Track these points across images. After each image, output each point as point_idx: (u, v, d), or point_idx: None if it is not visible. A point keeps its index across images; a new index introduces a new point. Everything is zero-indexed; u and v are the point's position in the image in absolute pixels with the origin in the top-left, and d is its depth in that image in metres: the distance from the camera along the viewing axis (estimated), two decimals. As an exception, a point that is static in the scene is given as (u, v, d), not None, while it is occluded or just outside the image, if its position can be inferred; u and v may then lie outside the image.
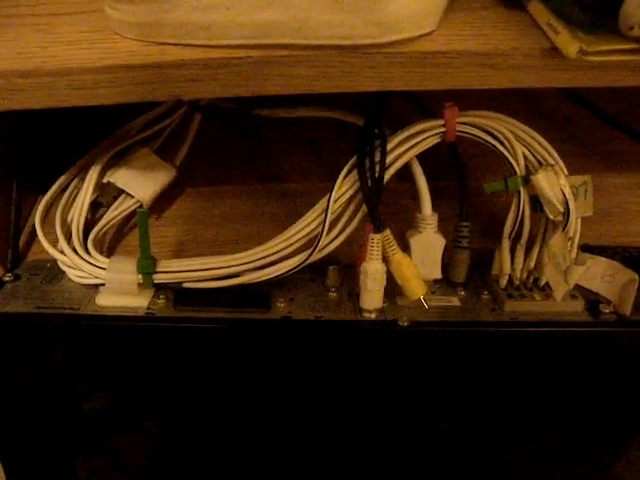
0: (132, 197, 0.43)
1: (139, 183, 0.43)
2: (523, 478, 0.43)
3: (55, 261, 0.41)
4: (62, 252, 0.40)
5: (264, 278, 0.38)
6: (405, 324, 0.36)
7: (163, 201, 0.46)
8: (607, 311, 0.38)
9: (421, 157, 0.38)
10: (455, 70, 0.31)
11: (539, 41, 0.31)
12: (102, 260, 0.39)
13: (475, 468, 0.42)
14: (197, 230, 0.44)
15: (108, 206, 0.44)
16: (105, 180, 0.43)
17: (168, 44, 0.31)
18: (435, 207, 0.38)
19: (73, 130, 0.45)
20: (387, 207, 0.37)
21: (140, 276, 0.38)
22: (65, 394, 0.39)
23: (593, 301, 0.38)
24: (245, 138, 0.49)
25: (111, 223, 0.43)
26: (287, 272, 0.38)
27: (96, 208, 0.44)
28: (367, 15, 0.29)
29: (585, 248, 0.39)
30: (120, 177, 0.43)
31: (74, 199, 0.43)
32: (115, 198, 0.44)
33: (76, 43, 0.32)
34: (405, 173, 0.38)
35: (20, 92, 0.31)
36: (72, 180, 0.44)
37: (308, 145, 0.49)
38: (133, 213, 0.44)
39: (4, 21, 0.35)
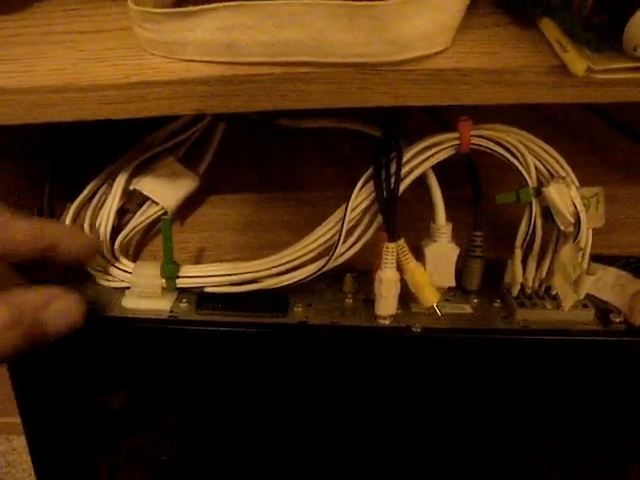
0: (157, 204, 0.45)
1: (164, 191, 0.45)
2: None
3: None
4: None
5: (283, 284, 0.39)
6: (418, 330, 0.37)
7: (186, 208, 0.47)
8: (617, 320, 0.38)
9: (436, 168, 0.38)
10: (467, 87, 0.32)
11: (549, 59, 0.32)
12: (128, 264, 0.41)
13: (484, 473, 0.43)
14: (218, 237, 0.46)
15: (134, 213, 0.46)
16: (131, 187, 0.44)
17: (192, 61, 0.33)
18: (449, 217, 0.39)
19: (102, 139, 0.46)
20: (403, 216, 0.38)
21: (164, 280, 0.40)
22: (90, 392, 0.41)
23: (604, 310, 0.39)
24: (266, 147, 0.50)
25: (137, 229, 0.45)
26: (305, 278, 0.39)
27: (122, 214, 0.46)
28: (381, 34, 0.30)
29: (597, 258, 0.39)
30: (146, 185, 0.44)
31: (102, 206, 0.45)
32: (140, 205, 0.45)
33: (105, 60, 0.34)
34: (421, 183, 0.39)
35: (53, 106, 0.33)
36: (100, 187, 0.46)
37: (328, 155, 0.50)
38: (158, 219, 0.45)
39: (38, 39, 0.36)
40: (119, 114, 0.34)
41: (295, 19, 0.30)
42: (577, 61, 0.30)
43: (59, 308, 0.34)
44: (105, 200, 0.45)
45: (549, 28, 0.33)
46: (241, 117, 0.48)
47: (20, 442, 0.67)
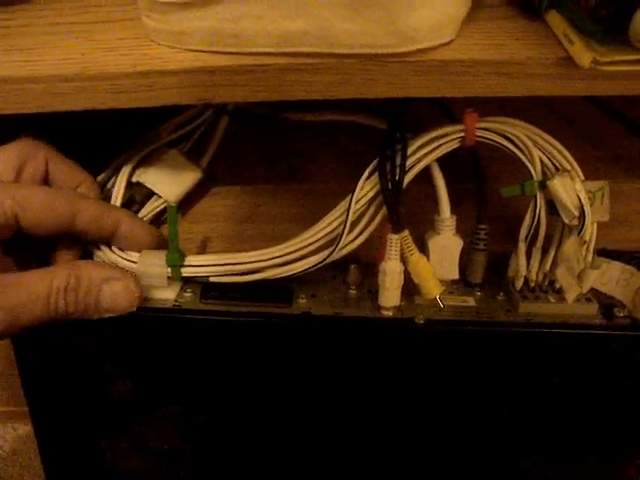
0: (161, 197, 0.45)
1: (166, 184, 0.45)
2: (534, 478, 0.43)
3: (91, 255, 0.43)
4: (97, 247, 0.42)
5: (287, 274, 0.39)
6: (421, 322, 0.38)
7: (192, 199, 0.47)
8: (621, 315, 0.38)
9: (441, 160, 0.39)
10: (472, 78, 0.32)
11: (555, 51, 0.32)
12: (134, 255, 0.41)
13: (486, 465, 0.43)
14: (223, 228, 0.46)
15: (142, 202, 0.46)
16: (134, 180, 0.44)
17: (200, 51, 0.33)
18: (454, 209, 0.39)
19: (110, 133, 0.47)
20: (408, 209, 0.39)
21: (169, 269, 0.40)
22: (94, 380, 0.41)
23: (608, 304, 0.39)
24: (272, 139, 0.50)
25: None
26: (309, 269, 0.39)
27: (129, 206, 0.46)
28: (387, 25, 0.30)
29: (603, 252, 0.39)
30: (149, 177, 0.44)
31: (109, 197, 0.45)
32: (148, 196, 0.46)
33: (114, 50, 0.34)
34: (426, 176, 0.39)
35: (62, 95, 0.33)
36: (109, 179, 0.46)
37: (333, 148, 0.50)
38: (163, 211, 0.46)
39: (49, 29, 0.37)
40: (127, 103, 0.34)
41: (302, 9, 0.30)
42: (583, 53, 0.30)
43: (116, 289, 0.36)
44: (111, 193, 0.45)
45: (556, 20, 0.33)
46: (246, 111, 0.49)
47: (25, 430, 0.68)
